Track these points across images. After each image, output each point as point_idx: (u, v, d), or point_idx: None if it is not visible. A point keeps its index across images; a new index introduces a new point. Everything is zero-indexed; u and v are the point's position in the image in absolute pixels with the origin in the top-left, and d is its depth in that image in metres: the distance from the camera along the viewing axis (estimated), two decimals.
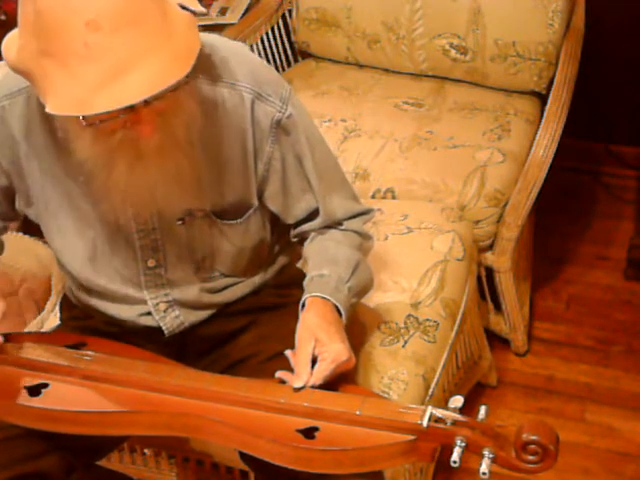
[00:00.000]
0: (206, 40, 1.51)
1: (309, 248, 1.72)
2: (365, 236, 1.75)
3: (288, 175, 1.64)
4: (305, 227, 1.71)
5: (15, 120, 1.57)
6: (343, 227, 1.72)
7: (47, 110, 1.33)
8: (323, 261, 1.66)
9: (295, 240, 1.77)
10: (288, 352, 1.56)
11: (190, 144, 1.48)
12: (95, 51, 1.28)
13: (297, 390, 1.48)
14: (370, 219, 1.78)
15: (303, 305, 1.61)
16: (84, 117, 1.36)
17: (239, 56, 1.60)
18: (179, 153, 1.47)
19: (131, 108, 1.34)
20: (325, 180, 1.67)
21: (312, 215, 1.69)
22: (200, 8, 1.41)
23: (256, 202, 1.65)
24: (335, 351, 1.51)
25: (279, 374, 1.53)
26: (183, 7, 1.38)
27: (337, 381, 1.51)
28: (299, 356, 1.52)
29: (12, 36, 1.40)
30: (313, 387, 1.48)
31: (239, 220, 1.65)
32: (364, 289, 1.72)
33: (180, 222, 1.62)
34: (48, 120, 1.54)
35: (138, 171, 1.44)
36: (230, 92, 1.56)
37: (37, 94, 1.37)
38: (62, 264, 1.72)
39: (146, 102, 1.35)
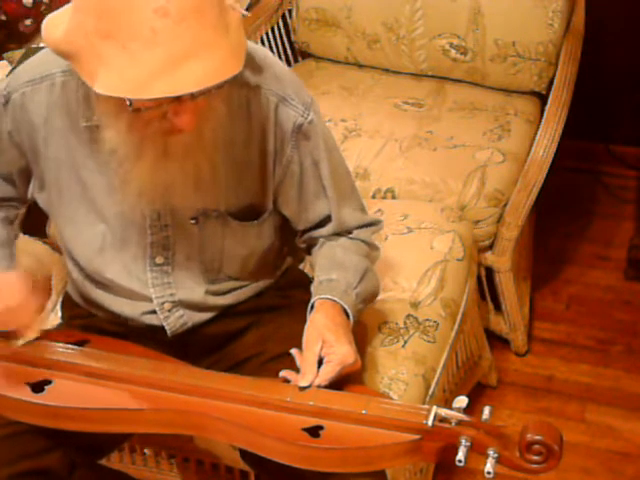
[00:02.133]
0: None
1: (318, 254, 1.72)
2: (373, 246, 1.76)
3: (304, 180, 1.64)
4: (315, 233, 1.72)
5: (35, 106, 1.58)
6: (352, 235, 1.73)
7: (95, 90, 1.34)
8: (332, 266, 1.67)
9: (303, 246, 1.77)
10: (294, 351, 1.56)
11: (214, 145, 1.49)
12: (161, 37, 1.29)
13: (302, 389, 1.48)
14: (379, 230, 1.80)
15: (312, 307, 1.61)
16: (131, 102, 1.36)
17: (265, 59, 1.61)
18: (202, 154, 1.48)
19: (178, 98, 1.35)
20: (339, 188, 1.68)
21: (323, 222, 1.70)
22: (244, 11, 1.44)
23: (271, 206, 1.66)
24: (342, 353, 1.51)
25: (283, 373, 1.53)
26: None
27: (342, 382, 1.51)
28: (306, 356, 1.53)
29: (56, 16, 1.41)
30: (318, 387, 1.48)
31: (253, 222, 1.66)
32: (371, 296, 1.73)
33: (193, 221, 1.62)
34: (71, 108, 1.56)
35: (160, 167, 1.45)
36: (256, 94, 1.56)
37: (81, 74, 1.37)
38: (70, 253, 1.72)
39: (192, 95, 1.36)
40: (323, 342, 1.52)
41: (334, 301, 1.60)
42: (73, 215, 1.65)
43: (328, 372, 1.50)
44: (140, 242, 1.64)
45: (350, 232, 1.72)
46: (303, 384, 1.49)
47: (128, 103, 1.37)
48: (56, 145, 1.60)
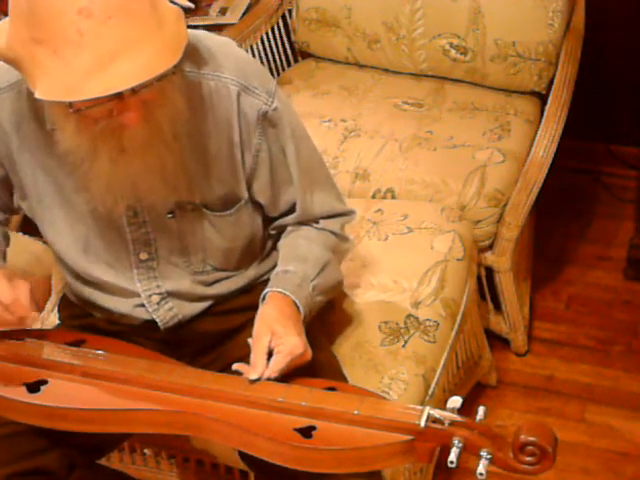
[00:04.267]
0: (193, 33, 1.54)
1: (282, 243, 1.74)
2: (341, 237, 1.77)
3: (275, 167, 1.66)
4: (281, 221, 1.74)
5: (6, 114, 1.59)
6: (319, 225, 1.74)
7: (36, 96, 1.35)
8: (291, 257, 1.69)
9: (273, 233, 1.78)
10: (250, 340, 1.57)
11: (175, 138, 1.50)
12: (87, 38, 1.30)
13: (253, 382, 1.50)
14: (349, 221, 1.80)
15: (264, 298, 1.63)
16: (71, 103, 1.38)
17: (225, 49, 1.61)
18: (163, 147, 1.49)
19: (118, 96, 1.36)
20: (307, 175, 1.69)
21: (292, 209, 1.71)
22: (187, 3, 1.45)
23: (246, 195, 1.67)
24: (291, 344, 1.53)
25: (235, 366, 1.55)
26: (172, 2, 1.41)
27: (294, 374, 1.52)
28: (255, 348, 1.54)
29: (1, 25, 1.42)
30: (269, 379, 1.50)
31: (229, 211, 1.66)
32: (331, 289, 1.75)
33: (170, 215, 1.63)
34: (38, 113, 1.56)
35: (120, 164, 1.47)
36: (216, 84, 1.57)
37: (26, 82, 1.39)
38: (58, 256, 1.73)
39: (134, 90, 1.37)
40: (272, 334, 1.54)
41: (285, 294, 1.61)
42: (54, 219, 1.66)
43: (277, 363, 1.51)
44: (122, 240, 1.65)
45: (317, 221, 1.73)
46: (253, 376, 1.51)
47: (68, 104, 1.38)
48: (30, 152, 1.60)
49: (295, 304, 1.62)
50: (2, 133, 1.60)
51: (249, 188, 1.67)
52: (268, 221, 1.76)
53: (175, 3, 1.42)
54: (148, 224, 1.64)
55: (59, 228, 1.67)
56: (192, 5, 1.46)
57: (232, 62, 1.59)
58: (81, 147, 1.45)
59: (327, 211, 1.74)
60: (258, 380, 1.50)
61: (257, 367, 1.52)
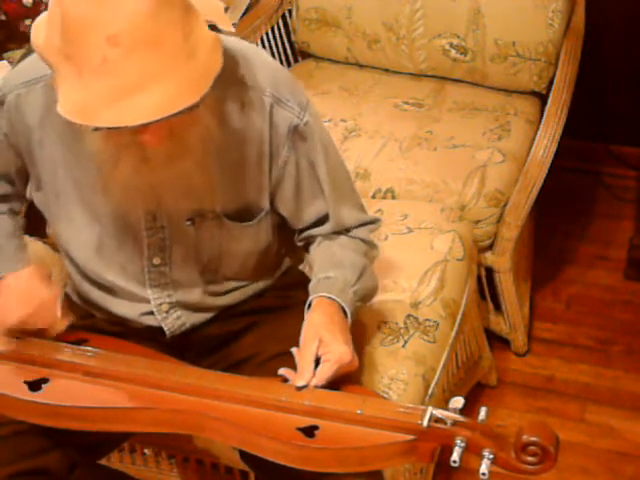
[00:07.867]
0: (229, 42, 1.52)
1: (315, 252, 1.72)
2: (371, 244, 1.76)
3: (301, 180, 1.64)
4: (313, 232, 1.72)
5: (30, 108, 1.58)
6: (351, 234, 1.73)
7: (57, 109, 1.34)
8: (329, 264, 1.67)
9: (300, 244, 1.77)
10: (295, 350, 1.56)
11: (202, 150, 1.48)
12: (110, 67, 1.28)
13: (299, 389, 1.48)
14: (377, 228, 1.80)
15: (309, 306, 1.61)
16: None
17: (259, 60, 1.60)
18: (188, 160, 1.47)
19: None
20: (337, 188, 1.68)
21: (321, 221, 1.70)
22: (230, 28, 1.42)
23: (268, 206, 1.66)
24: (339, 352, 1.51)
25: (282, 371, 1.53)
26: (212, 26, 1.38)
27: (339, 382, 1.51)
28: (303, 355, 1.53)
29: (43, 20, 1.40)
30: (315, 387, 1.49)
31: (250, 222, 1.66)
32: (369, 294, 1.73)
33: (189, 222, 1.62)
34: None
35: (143, 173, 1.45)
36: (250, 95, 1.56)
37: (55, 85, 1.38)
38: (68, 254, 1.72)
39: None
40: (320, 341, 1.52)
41: (331, 299, 1.60)
42: (70, 216, 1.65)
43: (325, 372, 1.49)
44: (137, 243, 1.64)
45: (349, 231, 1.72)
46: (300, 384, 1.49)
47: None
48: (52, 146, 1.60)
49: (341, 308, 1.60)
50: (24, 127, 1.60)
51: (272, 200, 1.65)
52: (286, 231, 1.74)
53: (215, 29, 1.38)
54: (166, 229, 1.62)
55: (74, 225, 1.66)
56: (233, 30, 1.42)
57: (266, 74, 1.58)
58: (106, 151, 1.44)
59: (357, 221, 1.73)
60: (305, 387, 1.49)
61: (304, 375, 1.50)
